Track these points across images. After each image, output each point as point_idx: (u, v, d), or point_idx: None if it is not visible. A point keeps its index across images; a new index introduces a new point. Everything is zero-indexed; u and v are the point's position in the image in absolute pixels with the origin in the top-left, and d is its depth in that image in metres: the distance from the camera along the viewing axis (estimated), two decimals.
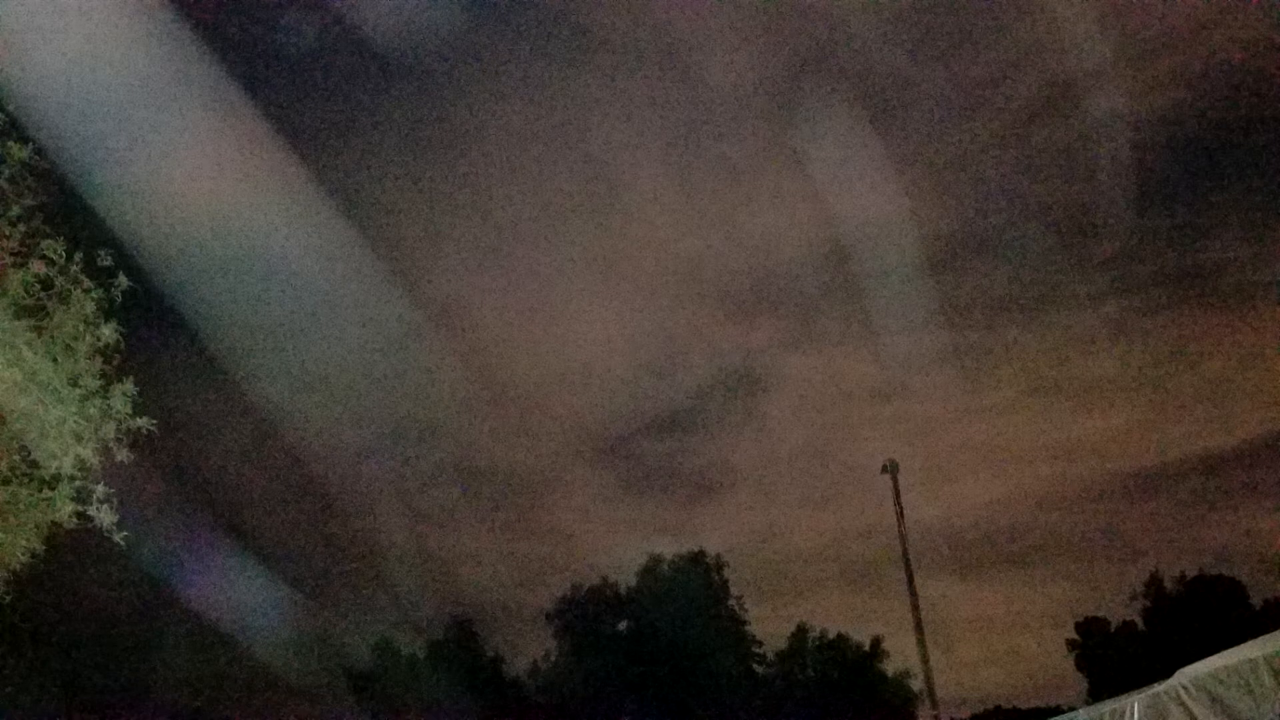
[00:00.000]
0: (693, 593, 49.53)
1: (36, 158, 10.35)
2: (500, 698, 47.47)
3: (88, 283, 10.41)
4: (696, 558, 51.06)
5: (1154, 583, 48.87)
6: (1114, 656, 46.97)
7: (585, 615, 50.85)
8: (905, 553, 25.90)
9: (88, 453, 10.27)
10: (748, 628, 51.37)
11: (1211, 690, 7.44)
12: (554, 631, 50.78)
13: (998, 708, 50.63)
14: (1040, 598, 60.31)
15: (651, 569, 50.90)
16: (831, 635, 51.93)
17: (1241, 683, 7.29)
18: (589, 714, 46.70)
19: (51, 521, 10.50)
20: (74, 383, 10.24)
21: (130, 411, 10.53)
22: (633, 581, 51.06)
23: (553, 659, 50.60)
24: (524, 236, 58.96)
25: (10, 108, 10.38)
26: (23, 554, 10.55)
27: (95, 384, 10.39)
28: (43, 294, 10.25)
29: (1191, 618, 44.75)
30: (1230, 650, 7.74)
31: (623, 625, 51.16)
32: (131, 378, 10.64)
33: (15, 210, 10.19)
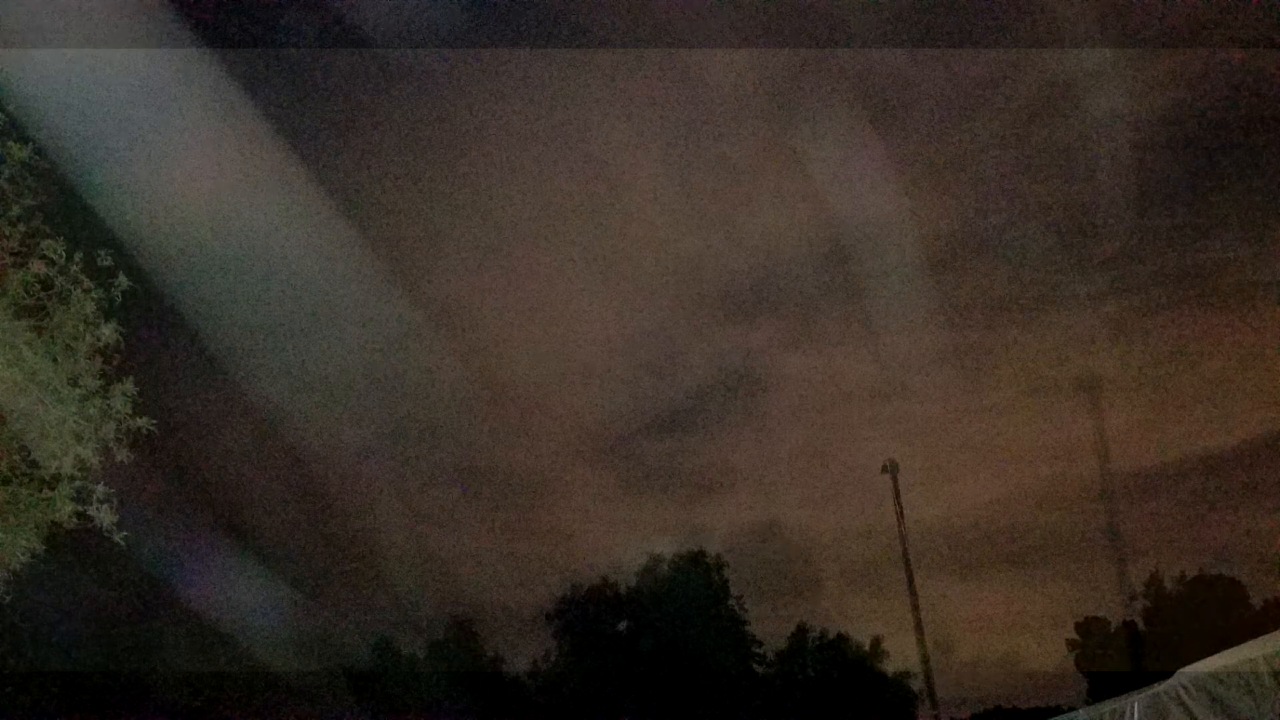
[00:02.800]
0: (693, 593, 49.50)
1: (36, 158, 10.35)
2: (500, 698, 47.43)
3: (88, 283, 10.42)
4: (696, 558, 51.01)
5: (1154, 583, 48.88)
6: (1114, 656, 46.96)
7: (585, 615, 50.79)
8: (905, 553, 25.96)
9: (88, 453, 10.28)
10: (748, 628, 51.37)
11: (1211, 690, 7.44)
12: (554, 631, 50.70)
13: (998, 708, 50.53)
14: (1040, 598, 60.15)
15: (651, 569, 50.88)
16: (831, 635, 51.99)
17: (1241, 683, 7.29)
18: (589, 714, 46.68)
19: (51, 521, 10.50)
20: (74, 383, 10.25)
21: (130, 411, 10.54)
22: (633, 581, 51.07)
23: (553, 659, 50.56)
24: (524, 236, 58.91)
25: (10, 108, 10.38)
26: (23, 554, 10.55)
27: (95, 384, 10.40)
28: (43, 294, 10.26)
29: (1191, 618, 44.72)
30: (1230, 650, 7.75)
31: (623, 625, 51.11)
32: (131, 378, 10.65)
33: (15, 210, 10.20)
